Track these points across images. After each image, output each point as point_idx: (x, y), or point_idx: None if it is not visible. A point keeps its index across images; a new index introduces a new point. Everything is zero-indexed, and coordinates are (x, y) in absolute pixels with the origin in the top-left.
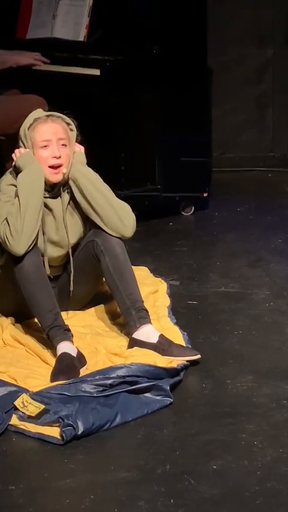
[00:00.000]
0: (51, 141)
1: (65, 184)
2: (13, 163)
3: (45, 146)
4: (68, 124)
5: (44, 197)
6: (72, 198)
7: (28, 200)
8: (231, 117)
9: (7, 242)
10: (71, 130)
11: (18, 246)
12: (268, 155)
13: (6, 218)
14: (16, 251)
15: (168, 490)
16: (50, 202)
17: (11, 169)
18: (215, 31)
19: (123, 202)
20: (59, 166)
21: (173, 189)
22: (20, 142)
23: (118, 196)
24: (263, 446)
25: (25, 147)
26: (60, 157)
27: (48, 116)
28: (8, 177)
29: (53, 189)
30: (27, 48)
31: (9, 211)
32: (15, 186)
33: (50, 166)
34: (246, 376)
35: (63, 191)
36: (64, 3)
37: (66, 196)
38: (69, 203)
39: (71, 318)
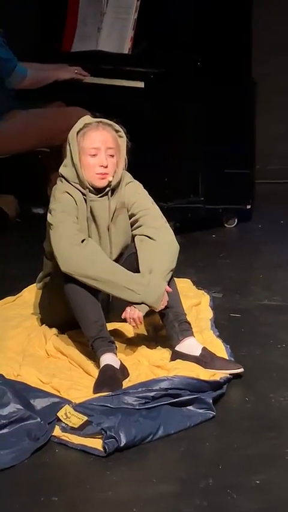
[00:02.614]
0: (100, 149)
1: (113, 190)
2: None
3: (94, 155)
4: (117, 131)
5: (91, 200)
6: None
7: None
8: (274, 128)
9: (57, 256)
10: (120, 137)
11: (65, 268)
12: None
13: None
14: (61, 266)
15: (210, 504)
16: (96, 206)
17: (59, 177)
18: (256, 40)
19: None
20: (105, 173)
21: (216, 201)
22: (67, 145)
23: (161, 208)
24: None
25: (71, 152)
26: (107, 166)
27: (98, 122)
28: (60, 185)
29: (100, 192)
30: (73, 61)
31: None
32: (69, 193)
33: (96, 173)
34: None
35: (112, 196)
36: (109, 16)
37: (113, 202)
38: (115, 211)
39: (113, 330)
